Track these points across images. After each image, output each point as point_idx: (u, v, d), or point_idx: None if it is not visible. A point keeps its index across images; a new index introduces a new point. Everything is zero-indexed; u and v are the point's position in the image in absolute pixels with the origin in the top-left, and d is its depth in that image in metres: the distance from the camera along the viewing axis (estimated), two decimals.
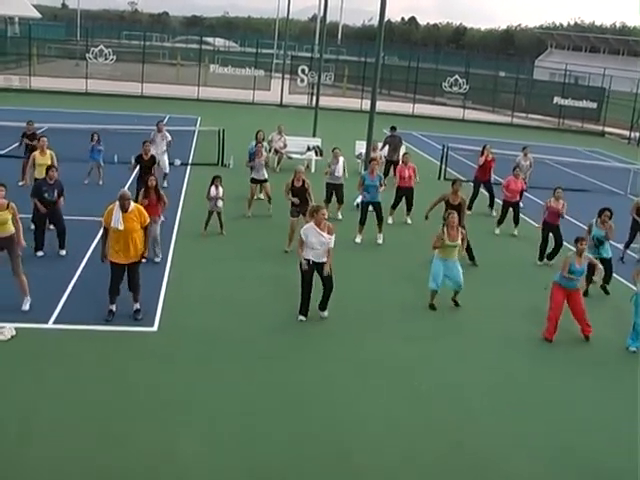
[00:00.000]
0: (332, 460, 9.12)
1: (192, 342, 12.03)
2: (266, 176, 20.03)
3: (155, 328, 12.42)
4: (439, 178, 27.24)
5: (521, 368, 12.34)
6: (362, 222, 18.54)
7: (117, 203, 12.24)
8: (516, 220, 20.57)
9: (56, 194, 15.31)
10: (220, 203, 17.85)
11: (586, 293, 16.06)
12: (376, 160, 19.75)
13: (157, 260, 15.59)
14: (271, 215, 19.77)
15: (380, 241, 18.72)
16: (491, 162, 23.02)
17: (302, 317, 13.26)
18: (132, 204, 12.44)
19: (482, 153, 23.08)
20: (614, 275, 17.00)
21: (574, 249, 13.58)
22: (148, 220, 12.70)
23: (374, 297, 14.95)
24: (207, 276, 15.21)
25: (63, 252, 15.59)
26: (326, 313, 13.40)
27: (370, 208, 18.52)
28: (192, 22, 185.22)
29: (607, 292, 16.51)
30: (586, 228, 16.61)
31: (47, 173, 15.39)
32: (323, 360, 11.91)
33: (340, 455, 9.23)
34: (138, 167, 18.80)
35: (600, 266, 13.71)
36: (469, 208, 20.87)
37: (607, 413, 10.97)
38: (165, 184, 21.70)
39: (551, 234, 18.19)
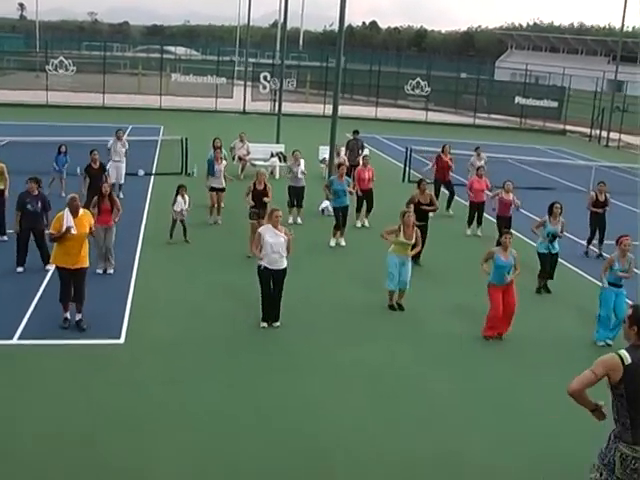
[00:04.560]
0: (304, 463, 9.12)
1: (160, 353, 11.97)
2: (224, 185, 19.97)
3: (122, 340, 12.33)
4: (403, 180, 27.37)
5: (485, 365, 12.46)
6: (337, 227, 18.65)
7: (67, 209, 12.24)
8: (479, 221, 20.73)
9: (40, 205, 15.08)
10: (185, 212, 17.84)
11: (539, 290, 16.25)
12: (344, 165, 19.86)
13: (110, 271, 15.49)
14: (219, 224, 19.80)
15: (343, 243, 18.81)
16: (449, 162, 23.27)
17: (264, 324, 13.23)
18: (81, 210, 12.49)
19: (442, 151, 23.35)
20: (577, 271, 17.22)
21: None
22: (93, 226, 12.79)
23: (335, 300, 14.95)
24: (173, 285, 15.15)
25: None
26: (278, 323, 13.32)
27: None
28: (153, 31, 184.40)
29: (548, 291, 16.47)
30: (538, 223, 16.68)
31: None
32: (290, 364, 11.91)
33: (311, 457, 9.24)
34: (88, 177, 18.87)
35: (518, 264, 13.73)
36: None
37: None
38: (121, 195, 21.61)
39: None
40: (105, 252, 15.42)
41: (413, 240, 14.37)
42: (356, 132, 26.44)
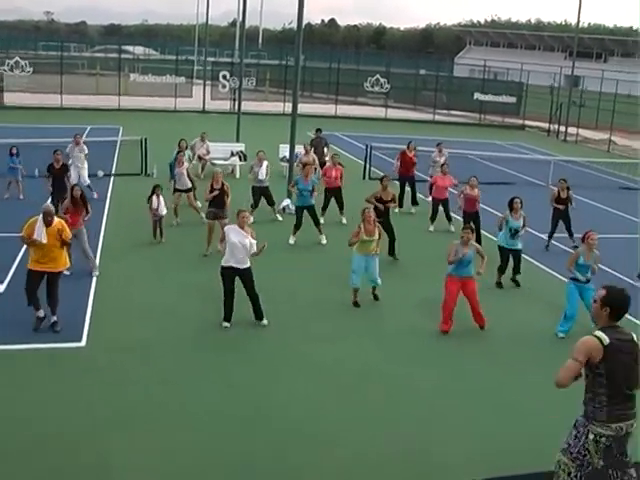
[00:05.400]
0: (271, 461, 9.11)
1: (122, 355, 11.85)
2: (189, 185, 19.86)
3: (83, 343, 12.20)
4: (364, 178, 27.43)
5: (457, 361, 12.53)
6: (298, 226, 18.69)
7: (40, 217, 12.08)
8: (448, 217, 20.82)
9: None
10: (164, 212, 17.88)
11: (499, 284, 16.39)
12: (310, 164, 19.86)
13: (96, 274, 15.37)
14: (205, 222, 19.61)
15: (324, 241, 18.89)
16: (413, 158, 23.37)
17: (226, 324, 13.18)
18: (55, 219, 12.31)
19: (407, 148, 23.45)
20: (540, 265, 17.37)
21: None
22: (70, 236, 12.62)
23: (306, 297, 15.00)
24: (135, 286, 15.05)
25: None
26: (265, 321, 13.32)
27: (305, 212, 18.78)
28: (110, 31, 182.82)
29: (518, 284, 16.66)
30: (501, 219, 16.77)
31: None
32: (256, 362, 11.88)
33: (277, 455, 9.23)
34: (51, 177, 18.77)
35: (483, 253, 13.93)
36: (400, 205, 21.22)
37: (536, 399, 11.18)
38: (95, 195, 21.47)
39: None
40: (85, 255, 15.30)
41: (376, 236, 14.43)
42: (319, 130, 26.42)
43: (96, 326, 12.82)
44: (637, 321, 15.00)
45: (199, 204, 20.24)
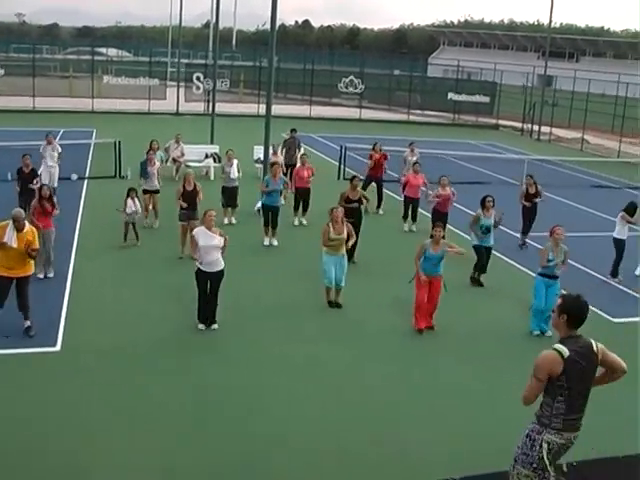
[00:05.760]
0: (249, 462, 9.15)
1: (97, 359, 11.82)
2: (158, 187, 19.79)
3: (58, 347, 12.16)
4: (338, 178, 27.49)
5: (425, 358, 12.65)
6: (267, 224, 18.66)
7: (11, 221, 12.01)
8: (414, 216, 20.92)
9: None
10: (138, 214, 17.86)
11: (473, 280, 16.50)
12: (278, 164, 19.87)
13: (50, 275, 15.30)
14: (157, 228, 19.62)
15: (275, 243, 18.84)
16: (381, 159, 23.42)
17: (201, 325, 13.19)
18: (27, 225, 12.25)
19: (373, 149, 23.51)
20: (512, 263, 17.49)
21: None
22: (37, 245, 12.50)
23: (273, 299, 15.02)
24: (109, 290, 15.00)
25: None
26: (216, 325, 13.27)
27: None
28: (83, 33, 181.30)
29: (481, 284, 16.76)
30: (473, 218, 16.90)
31: None
32: (232, 364, 11.93)
33: (257, 456, 9.27)
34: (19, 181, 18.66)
35: (462, 251, 14.11)
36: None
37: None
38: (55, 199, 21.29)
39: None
40: (47, 256, 15.23)
41: (344, 235, 14.43)
42: (293, 130, 26.43)
43: (71, 330, 12.77)
44: (609, 317, 15.22)
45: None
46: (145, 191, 19.57)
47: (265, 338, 13.05)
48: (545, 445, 6.92)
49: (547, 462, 6.95)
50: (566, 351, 6.75)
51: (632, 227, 18.03)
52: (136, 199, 17.82)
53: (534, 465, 7.01)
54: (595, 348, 6.93)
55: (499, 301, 15.80)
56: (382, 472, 9.22)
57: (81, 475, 8.76)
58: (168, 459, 9.13)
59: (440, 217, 18.66)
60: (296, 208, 20.71)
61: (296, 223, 20.39)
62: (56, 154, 22.08)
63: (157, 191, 19.75)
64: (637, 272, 18.19)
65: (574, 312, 6.87)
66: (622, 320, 15.12)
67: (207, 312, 13.19)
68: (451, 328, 13.93)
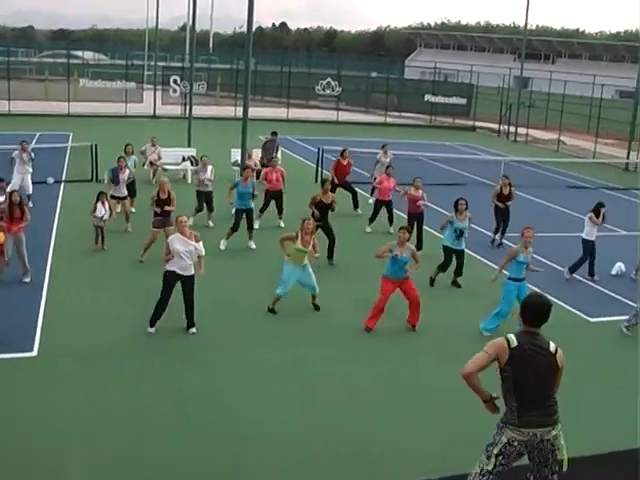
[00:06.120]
0: (224, 466, 9.15)
1: (76, 363, 11.75)
2: (125, 193, 19.69)
3: (35, 353, 12.05)
4: (316, 181, 27.46)
5: (401, 358, 12.65)
6: (234, 229, 18.51)
7: None
8: (390, 219, 20.94)
9: None
10: (106, 218, 17.76)
11: (432, 282, 16.58)
12: (250, 167, 19.82)
13: (27, 280, 15.22)
14: (130, 231, 19.52)
15: (253, 246, 18.79)
16: (348, 166, 23.42)
17: (151, 329, 13.09)
18: None
19: (341, 155, 23.50)
20: (487, 262, 17.60)
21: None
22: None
23: (246, 303, 14.94)
24: (86, 293, 14.91)
25: None
26: (194, 329, 13.21)
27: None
28: (59, 36, 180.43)
29: (458, 285, 16.89)
30: (445, 221, 16.92)
31: None
32: (208, 368, 11.90)
33: (230, 460, 9.27)
34: None
35: (418, 258, 14.16)
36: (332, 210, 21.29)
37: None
38: (30, 204, 21.22)
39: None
40: (22, 261, 15.16)
41: (310, 247, 14.34)
42: (274, 133, 26.38)
43: (48, 334, 12.68)
44: (586, 317, 15.35)
45: (133, 210, 20.41)
46: (113, 197, 19.34)
47: (238, 342, 13.02)
48: (504, 439, 7.06)
49: (494, 454, 7.10)
50: (514, 341, 6.95)
51: (610, 228, 18.15)
52: (106, 203, 17.71)
53: (488, 453, 7.19)
54: (552, 349, 7.06)
55: (473, 300, 15.84)
56: (367, 471, 9.26)
57: (65, 476, 8.75)
58: (160, 459, 9.14)
59: (415, 218, 18.77)
60: (262, 210, 20.58)
61: (256, 226, 20.01)
62: (30, 161, 21.87)
63: (125, 197, 19.71)
64: (613, 272, 18.35)
65: (529, 308, 7.09)
66: (599, 320, 15.24)
67: (160, 316, 13.06)
68: (430, 328, 13.97)
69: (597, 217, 17.62)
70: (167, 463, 9.14)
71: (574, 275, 17.77)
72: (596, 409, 11.14)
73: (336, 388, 11.48)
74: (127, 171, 19.76)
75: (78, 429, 9.83)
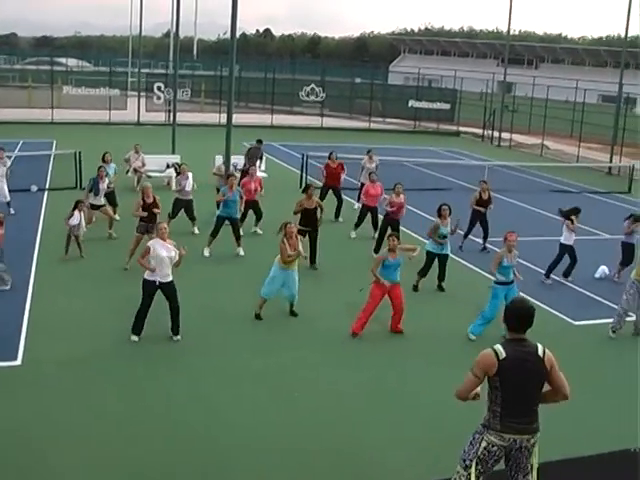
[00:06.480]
0: (206, 462, 9.16)
1: (59, 372, 11.71)
2: (103, 202, 19.66)
3: (19, 362, 11.98)
4: (300, 187, 27.42)
5: (386, 363, 12.67)
6: (214, 235, 18.46)
7: None
8: (375, 224, 20.92)
9: None
10: (83, 226, 17.67)
11: (415, 288, 16.64)
12: (234, 176, 19.79)
13: (6, 288, 15.12)
14: (117, 237, 19.48)
15: (242, 253, 18.75)
16: (338, 168, 23.46)
17: (135, 337, 13.04)
18: None
19: (329, 158, 23.55)
20: (471, 267, 17.67)
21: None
22: None
23: (231, 309, 14.92)
24: (70, 302, 14.83)
25: None
26: (179, 336, 13.16)
27: (227, 222, 18.62)
28: (42, 43, 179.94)
29: (442, 289, 16.98)
30: (433, 227, 16.93)
31: None
32: (193, 375, 11.86)
33: (211, 457, 9.28)
34: None
35: (409, 246, 14.29)
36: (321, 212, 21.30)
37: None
38: (12, 211, 21.27)
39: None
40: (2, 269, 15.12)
41: (300, 249, 14.31)
42: (259, 141, 26.19)
43: (32, 343, 12.61)
44: (571, 320, 15.41)
45: (117, 217, 20.36)
46: (92, 206, 19.31)
47: (223, 348, 13.00)
48: (484, 444, 7.08)
49: (473, 463, 7.12)
50: (503, 353, 6.93)
51: (593, 231, 18.23)
52: (83, 211, 17.65)
53: (466, 463, 7.21)
54: (541, 352, 7.04)
55: (461, 305, 15.86)
56: (354, 477, 9.27)
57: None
58: (141, 469, 9.10)
59: (391, 224, 18.76)
60: (241, 219, 20.19)
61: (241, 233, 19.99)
62: (4, 169, 21.74)
63: (103, 205, 19.70)
64: (597, 275, 18.45)
65: (512, 314, 7.08)
66: (583, 323, 15.31)
67: (143, 324, 13.03)
68: (417, 333, 14.00)
69: (573, 223, 17.73)
70: (154, 468, 9.11)
71: (555, 278, 17.86)
72: (582, 412, 11.16)
73: (322, 393, 11.49)
74: (106, 180, 19.69)
75: (66, 435, 9.81)
